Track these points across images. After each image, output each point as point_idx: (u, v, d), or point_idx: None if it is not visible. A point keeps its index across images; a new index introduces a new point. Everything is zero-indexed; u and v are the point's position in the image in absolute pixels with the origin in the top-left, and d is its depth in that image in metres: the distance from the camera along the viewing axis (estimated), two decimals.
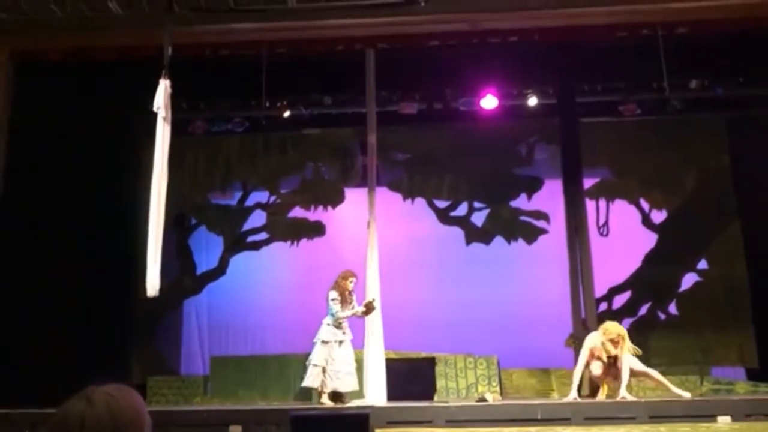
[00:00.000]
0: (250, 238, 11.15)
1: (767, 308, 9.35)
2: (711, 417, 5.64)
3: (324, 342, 7.10)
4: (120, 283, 9.40)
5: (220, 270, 11.09)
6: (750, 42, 7.83)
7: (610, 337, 6.95)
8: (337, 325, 7.13)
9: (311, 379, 6.99)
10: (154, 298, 7.27)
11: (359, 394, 7.12)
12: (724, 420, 5.55)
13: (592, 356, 7.00)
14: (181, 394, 9.72)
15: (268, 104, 9.45)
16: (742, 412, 5.62)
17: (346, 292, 7.25)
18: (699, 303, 9.77)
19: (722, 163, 10.38)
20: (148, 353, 10.31)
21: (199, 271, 11.16)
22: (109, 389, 1.52)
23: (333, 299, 7.15)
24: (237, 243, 11.11)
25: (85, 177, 9.27)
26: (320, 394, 6.98)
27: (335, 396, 6.93)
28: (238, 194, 11.32)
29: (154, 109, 6.13)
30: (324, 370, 6.97)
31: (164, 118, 6.08)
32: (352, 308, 7.15)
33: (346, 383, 6.96)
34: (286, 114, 9.84)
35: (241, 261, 11.08)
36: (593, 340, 7.07)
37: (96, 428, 1.46)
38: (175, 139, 7.61)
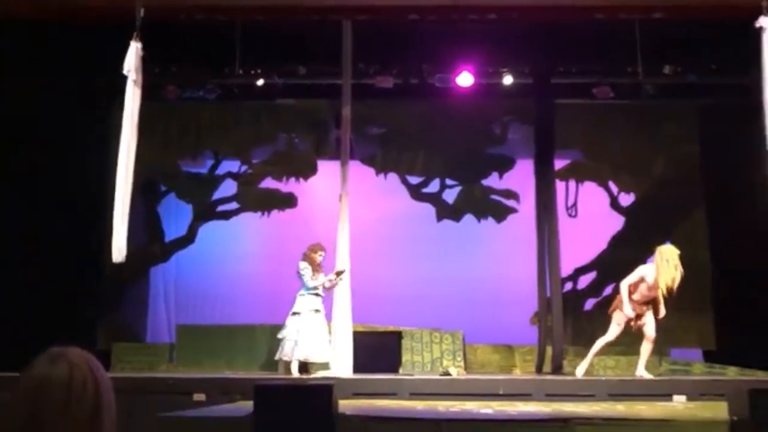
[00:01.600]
0: (220, 208, 11.06)
1: (727, 293, 9.58)
2: (667, 396, 5.80)
3: (295, 314, 7.17)
4: (86, 248, 9.28)
5: (188, 238, 11.00)
6: (724, 30, 7.89)
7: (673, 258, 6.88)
8: (314, 296, 7.24)
9: (283, 351, 7.09)
10: (120, 265, 7.21)
11: (326, 365, 7.19)
12: (679, 399, 5.71)
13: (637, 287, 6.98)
14: (147, 361, 9.68)
15: (241, 72, 9.33)
16: (697, 392, 5.79)
17: (315, 264, 7.36)
18: None
19: (691, 150, 10.53)
20: (113, 320, 10.23)
21: (167, 239, 11.05)
22: (75, 350, 1.45)
23: (304, 269, 7.28)
24: (207, 212, 11.01)
25: (52, 139, 9.08)
26: (287, 364, 7.03)
27: (303, 367, 7.01)
28: (210, 162, 11.19)
29: (124, 71, 6.02)
30: (296, 342, 7.06)
31: (134, 82, 5.97)
32: (322, 278, 7.27)
33: (317, 354, 7.04)
34: (260, 83, 9.72)
35: (210, 230, 11.00)
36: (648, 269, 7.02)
37: (82, 391, 1.38)
38: (146, 105, 7.47)
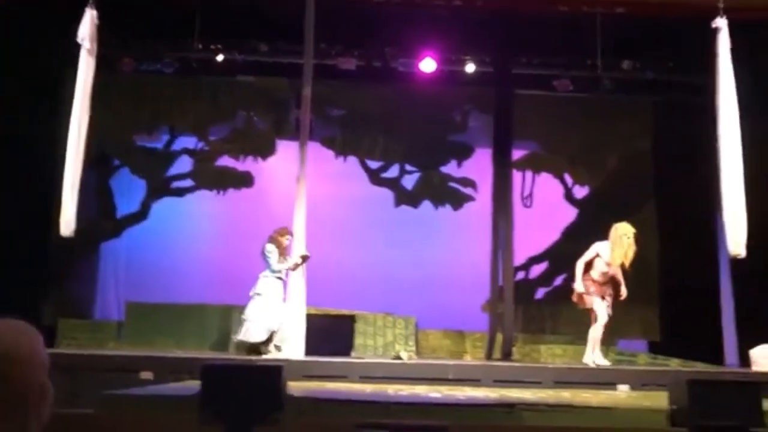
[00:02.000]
0: (175, 184, 10.86)
1: (672, 287, 9.85)
2: (612, 385, 5.94)
3: (258, 294, 7.16)
4: (34, 220, 9.02)
5: (141, 214, 10.79)
6: (683, 29, 8.06)
7: (627, 234, 6.97)
8: (277, 279, 7.23)
9: (244, 333, 7.07)
10: (69, 239, 7.06)
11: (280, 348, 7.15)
12: (623, 388, 5.86)
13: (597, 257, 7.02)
14: (94, 338, 9.49)
15: (200, 46, 9.15)
16: (640, 382, 5.95)
17: (282, 247, 7.32)
18: None
19: (644, 146, 10.75)
20: (60, 295, 9.98)
21: (119, 215, 10.82)
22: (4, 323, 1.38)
23: (270, 252, 7.22)
24: (161, 188, 10.80)
25: (0, 107, 8.76)
26: (251, 345, 7.02)
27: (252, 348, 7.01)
28: (165, 138, 10.96)
29: (79, 40, 5.84)
30: (256, 323, 7.05)
31: (88, 51, 5.81)
32: (287, 262, 7.22)
33: (265, 334, 7.03)
34: (219, 58, 9.54)
35: (164, 207, 10.81)
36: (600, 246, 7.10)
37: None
38: (101, 75, 7.29)
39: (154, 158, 10.85)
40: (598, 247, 7.19)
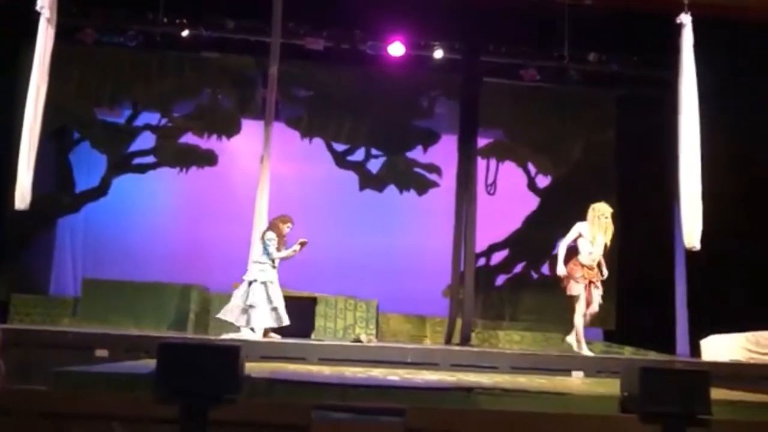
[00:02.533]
0: (137, 160, 10.67)
1: (629, 277, 10.04)
2: (567, 371, 6.05)
3: (255, 281, 7.13)
4: None
5: (101, 190, 10.57)
6: (648, 23, 8.16)
7: (605, 214, 6.94)
8: (272, 267, 7.21)
9: (251, 321, 7.03)
10: (25, 212, 6.89)
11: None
12: (577, 375, 5.98)
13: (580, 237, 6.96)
14: (48, 314, 9.30)
15: (165, 20, 8.95)
16: (594, 369, 6.07)
17: (282, 235, 7.30)
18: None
19: (607, 138, 10.90)
20: (13, 269, 9.74)
21: (78, 189, 10.60)
22: None
23: (270, 239, 7.18)
24: (122, 164, 10.60)
25: None
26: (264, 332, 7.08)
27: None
28: (128, 113, 10.75)
29: (38, 8, 5.66)
30: (246, 310, 7.01)
31: (48, 20, 5.64)
32: (286, 250, 7.25)
33: (280, 320, 7.08)
34: (185, 33, 9.36)
35: (124, 183, 10.61)
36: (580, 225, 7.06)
37: None
38: (61, 46, 7.10)
39: (116, 133, 10.63)
40: (579, 227, 7.14)
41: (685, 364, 6.72)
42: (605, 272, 7.21)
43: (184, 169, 10.67)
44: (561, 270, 7.06)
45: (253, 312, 6.98)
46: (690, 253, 7.41)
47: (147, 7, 8.84)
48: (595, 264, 7.12)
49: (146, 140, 10.71)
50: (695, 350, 8.21)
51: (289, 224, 7.33)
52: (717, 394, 3.49)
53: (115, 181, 10.56)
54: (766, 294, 8.62)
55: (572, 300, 7.12)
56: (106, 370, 4.16)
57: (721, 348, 7.91)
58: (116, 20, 9.35)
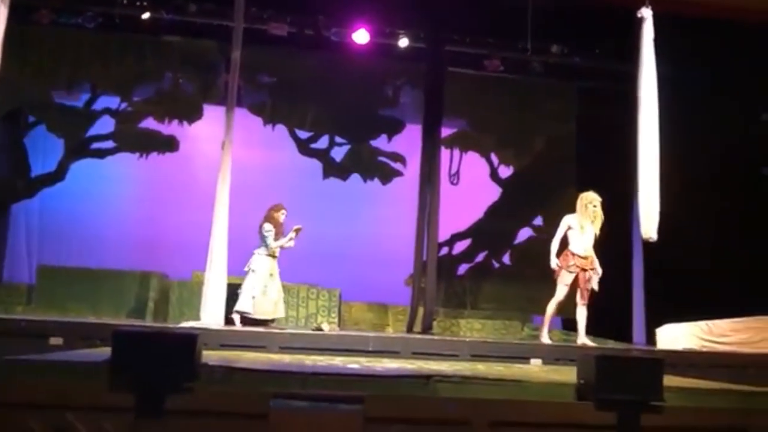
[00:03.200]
0: (95, 145, 10.42)
1: None
2: (525, 359, 6.13)
3: (253, 271, 7.39)
4: None
5: (57, 175, 10.31)
6: (610, 16, 8.25)
7: (593, 202, 6.96)
8: (271, 257, 7.43)
9: (241, 304, 7.28)
10: None
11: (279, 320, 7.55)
12: (535, 362, 6.07)
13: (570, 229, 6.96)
14: (1, 302, 9.08)
15: (125, 2, 8.75)
16: (553, 357, 6.16)
17: (278, 224, 7.50)
18: (530, 256, 10.44)
19: (569, 129, 11.03)
20: None
21: (33, 174, 10.32)
22: None
23: (268, 231, 7.43)
24: (79, 148, 10.34)
25: None
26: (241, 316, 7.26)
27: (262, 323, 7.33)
28: (86, 96, 10.48)
29: None
30: (253, 298, 7.28)
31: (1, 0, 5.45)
32: (284, 238, 7.46)
33: (275, 311, 7.39)
34: (145, 16, 9.16)
35: (82, 168, 10.36)
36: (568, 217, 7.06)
37: None
38: (16, 26, 6.90)
39: (74, 117, 10.37)
40: (567, 220, 7.16)
41: (641, 352, 6.87)
42: (599, 269, 7.16)
43: (144, 155, 10.47)
44: (553, 263, 7.08)
45: (254, 301, 7.26)
46: (648, 243, 7.54)
47: None
48: (588, 253, 7.09)
49: (105, 124, 10.47)
50: (651, 339, 8.39)
51: (282, 212, 7.53)
52: (670, 381, 3.57)
53: (72, 166, 10.31)
54: (720, 283, 8.85)
55: (557, 287, 7.14)
56: (59, 359, 4.08)
57: (676, 337, 8.11)
58: (74, 1, 9.11)
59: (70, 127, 10.35)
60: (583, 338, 7.24)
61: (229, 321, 7.25)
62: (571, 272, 7.04)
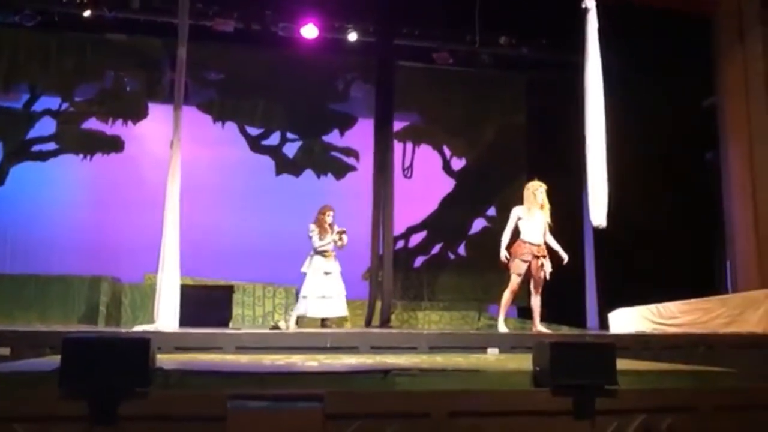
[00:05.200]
0: (36, 147, 10.11)
1: None
2: (482, 349, 6.18)
3: (305, 273, 7.46)
4: None
5: None
6: (556, 7, 8.37)
7: (538, 189, 7.06)
8: (321, 256, 7.48)
9: (297, 308, 7.41)
10: None
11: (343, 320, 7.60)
12: (492, 351, 6.11)
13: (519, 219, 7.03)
14: None
15: (65, 0, 8.49)
16: (509, 345, 6.21)
17: (325, 225, 7.52)
18: (485, 246, 10.54)
19: (519, 120, 11.18)
20: None
21: None
22: None
23: (312, 231, 7.52)
24: (20, 151, 10.03)
25: None
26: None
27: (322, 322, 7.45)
28: (25, 97, 10.16)
29: None
30: (305, 298, 7.33)
31: None
32: (328, 238, 7.50)
33: (330, 310, 7.38)
34: (87, 14, 8.91)
35: (23, 171, 10.05)
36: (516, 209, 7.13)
37: None
38: None
39: (12, 118, 10.05)
40: (516, 212, 7.20)
41: (594, 337, 6.99)
42: (563, 254, 7.18)
43: (89, 156, 10.21)
44: (503, 255, 7.08)
45: (303, 302, 7.34)
46: (598, 231, 7.68)
47: None
48: (539, 241, 7.14)
49: (46, 126, 10.17)
50: (604, 324, 8.57)
51: (329, 213, 7.60)
52: (623, 364, 3.63)
53: (12, 170, 9.99)
54: (668, 267, 9.10)
55: (511, 277, 7.19)
56: (6, 369, 3.94)
57: (628, 320, 8.30)
58: None
59: (9, 130, 10.04)
60: (538, 326, 7.33)
61: (274, 327, 7.36)
62: (525, 261, 7.10)
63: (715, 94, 9.79)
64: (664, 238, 9.48)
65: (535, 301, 7.28)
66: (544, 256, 7.16)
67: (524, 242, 7.15)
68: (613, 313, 8.49)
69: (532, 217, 7.14)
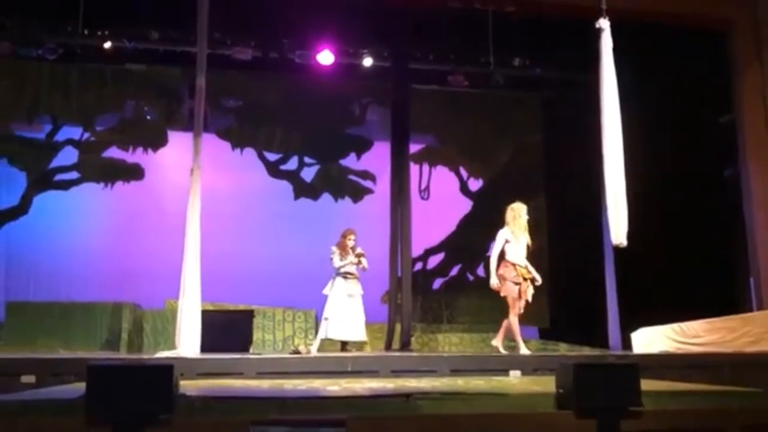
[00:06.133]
0: (59, 177, 10.28)
1: (561, 275, 10.29)
2: (504, 371, 6.14)
3: (327, 294, 7.58)
4: None
5: (21, 209, 10.14)
6: (569, 27, 8.40)
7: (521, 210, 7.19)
8: (343, 278, 7.56)
9: (320, 331, 7.51)
10: None
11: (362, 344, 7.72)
12: (514, 374, 6.07)
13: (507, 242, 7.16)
14: None
15: (86, 32, 8.68)
16: (531, 367, 6.17)
17: (347, 247, 7.65)
18: None
19: (535, 140, 11.18)
20: None
21: None
22: None
23: (332, 252, 7.66)
24: (43, 180, 10.20)
25: None
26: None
27: (342, 345, 7.54)
28: (48, 127, 10.36)
29: None
30: (326, 320, 7.43)
31: None
32: (347, 260, 7.58)
33: (349, 334, 7.43)
34: (107, 45, 9.09)
35: (46, 200, 10.21)
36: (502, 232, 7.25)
37: None
38: None
39: (36, 149, 10.24)
40: (503, 234, 7.33)
41: (617, 357, 6.92)
42: (538, 277, 7.33)
43: (110, 184, 10.36)
44: (494, 281, 7.23)
45: (325, 323, 7.44)
46: (618, 250, 7.64)
47: (66, 19, 8.54)
48: (525, 263, 7.29)
49: (68, 155, 10.35)
50: (626, 343, 8.47)
51: (351, 236, 7.74)
52: (647, 385, 3.60)
53: (36, 199, 10.16)
54: (690, 285, 8.99)
55: (508, 301, 7.25)
56: (33, 397, 3.98)
57: (651, 340, 8.20)
58: (34, 32, 9.02)
59: (33, 160, 10.22)
60: (499, 345, 7.35)
61: (295, 351, 7.44)
62: (516, 283, 7.19)
63: (733, 110, 9.74)
64: (685, 256, 9.38)
65: (514, 321, 7.30)
66: (531, 278, 7.24)
67: (512, 264, 7.25)
68: (636, 333, 8.39)
69: (517, 240, 7.25)
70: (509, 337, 7.47)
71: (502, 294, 7.27)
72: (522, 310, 7.33)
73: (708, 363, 6.29)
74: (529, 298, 7.28)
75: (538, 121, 11.20)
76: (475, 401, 3.62)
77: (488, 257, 10.99)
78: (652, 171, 8.80)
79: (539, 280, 7.33)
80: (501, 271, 7.23)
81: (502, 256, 7.32)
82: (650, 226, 8.21)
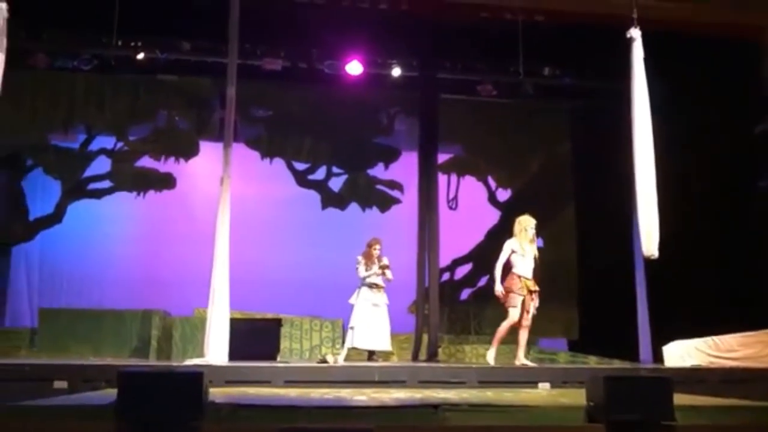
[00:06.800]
0: (92, 186, 10.46)
1: (591, 287, 10.18)
2: (533, 383, 6.08)
3: (353, 304, 7.65)
4: None
5: (56, 217, 10.34)
6: (600, 37, 8.34)
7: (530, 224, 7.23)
8: (368, 288, 7.63)
9: (347, 341, 7.57)
10: None
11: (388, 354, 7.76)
12: (544, 386, 6.01)
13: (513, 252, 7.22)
14: (4, 346, 9.02)
15: (120, 44, 8.85)
16: (560, 380, 6.11)
17: (373, 257, 7.71)
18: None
19: (564, 150, 11.08)
20: None
21: (32, 217, 10.34)
22: None
23: (358, 262, 7.72)
24: (77, 189, 10.38)
25: None
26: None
27: (369, 355, 7.60)
28: (82, 137, 10.56)
29: None
30: (352, 329, 7.48)
31: None
32: (372, 270, 7.66)
33: (375, 343, 7.47)
34: (140, 56, 9.26)
35: (80, 209, 10.39)
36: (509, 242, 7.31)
37: None
38: (12, 71, 6.96)
39: (70, 158, 10.43)
40: (510, 244, 7.39)
41: (648, 371, 6.82)
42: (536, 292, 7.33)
43: (142, 193, 10.51)
44: (498, 289, 7.28)
45: (351, 332, 7.48)
46: (649, 261, 7.54)
47: (101, 31, 8.72)
48: (531, 275, 7.32)
49: (102, 165, 10.53)
50: (658, 356, 8.33)
51: (376, 246, 7.79)
52: (680, 399, 3.54)
53: (70, 208, 10.34)
54: (724, 298, 8.81)
55: (508, 311, 7.26)
56: (65, 402, 4.04)
57: (683, 354, 8.06)
58: (69, 44, 9.22)
59: (67, 169, 10.41)
60: (522, 359, 7.30)
61: (322, 361, 7.50)
62: (520, 295, 7.16)
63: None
64: (718, 269, 9.20)
65: (523, 336, 7.33)
66: (536, 292, 7.21)
67: (519, 276, 7.25)
68: (668, 346, 8.24)
69: (523, 252, 7.23)
70: (537, 349, 7.42)
71: (505, 305, 7.28)
72: (529, 323, 7.31)
73: (743, 378, 6.16)
74: (535, 311, 7.26)
75: (568, 131, 11.10)
76: (503, 413, 3.59)
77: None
78: (685, 181, 8.67)
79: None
80: (507, 283, 7.24)
81: (505, 266, 7.31)
82: (682, 237, 8.08)
